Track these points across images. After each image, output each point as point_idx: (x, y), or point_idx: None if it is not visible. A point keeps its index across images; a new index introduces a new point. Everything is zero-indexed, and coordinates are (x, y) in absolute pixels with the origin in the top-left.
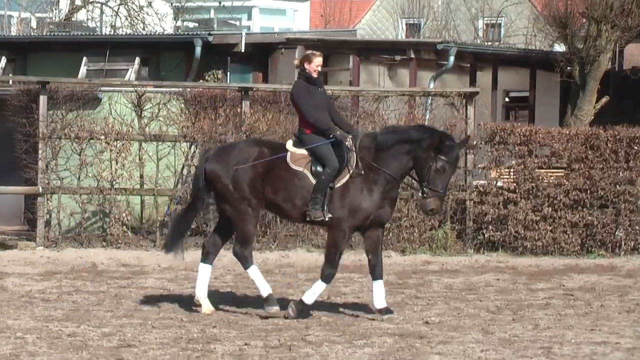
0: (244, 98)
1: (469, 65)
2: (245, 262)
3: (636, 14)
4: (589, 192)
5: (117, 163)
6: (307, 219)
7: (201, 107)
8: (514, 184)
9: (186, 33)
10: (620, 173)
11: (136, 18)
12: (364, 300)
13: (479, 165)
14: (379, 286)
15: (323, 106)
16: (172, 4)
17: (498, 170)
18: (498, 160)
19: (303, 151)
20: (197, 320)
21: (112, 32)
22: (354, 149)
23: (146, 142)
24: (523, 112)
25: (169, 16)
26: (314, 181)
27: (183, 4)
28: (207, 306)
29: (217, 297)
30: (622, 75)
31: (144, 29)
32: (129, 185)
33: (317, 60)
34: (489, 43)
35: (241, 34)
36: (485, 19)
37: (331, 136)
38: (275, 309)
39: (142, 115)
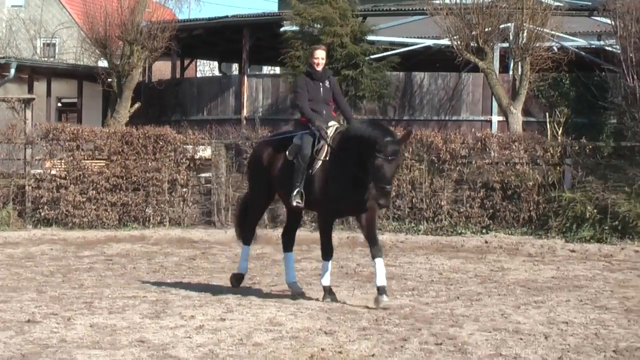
0: None
1: (27, 76)
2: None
3: (160, 37)
4: (125, 178)
5: None
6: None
7: None
8: (65, 172)
9: None
10: (150, 163)
11: None
12: None
13: (36, 158)
14: (378, 264)
15: (320, 99)
16: None
17: (52, 162)
18: (52, 154)
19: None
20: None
21: None
22: (327, 140)
23: None
24: (73, 115)
25: None
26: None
27: None
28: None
29: None
30: (150, 86)
31: None
32: None
33: (317, 53)
34: (45, 59)
35: None
36: (42, 39)
37: (312, 127)
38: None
39: None
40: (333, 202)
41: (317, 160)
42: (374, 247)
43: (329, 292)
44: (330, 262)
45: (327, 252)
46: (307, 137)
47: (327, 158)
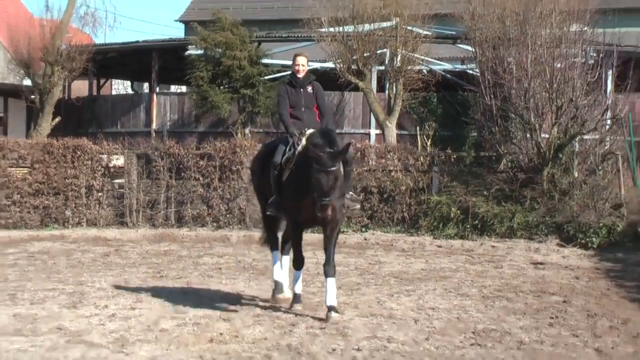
0: None
1: None
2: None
3: (78, 59)
4: (46, 184)
5: None
6: None
7: None
8: None
9: None
10: (69, 170)
11: None
12: None
13: None
14: (329, 284)
15: (302, 105)
16: None
17: None
18: None
19: None
20: None
21: None
22: (297, 148)
23: None
24: None
25: None
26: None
27: None
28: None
29: None
30: (69, 102)
31: None
32: None
33: (297, 60)
34: None
35: None
36: None
37: (287, 134)
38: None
39: None
40: (293, 213)
41: (286, 168)
42: (326, 265)
43: (298, 299)
44: (301, 271)
45: (297, 261)
46: (281, 145)
47: (294, 167)
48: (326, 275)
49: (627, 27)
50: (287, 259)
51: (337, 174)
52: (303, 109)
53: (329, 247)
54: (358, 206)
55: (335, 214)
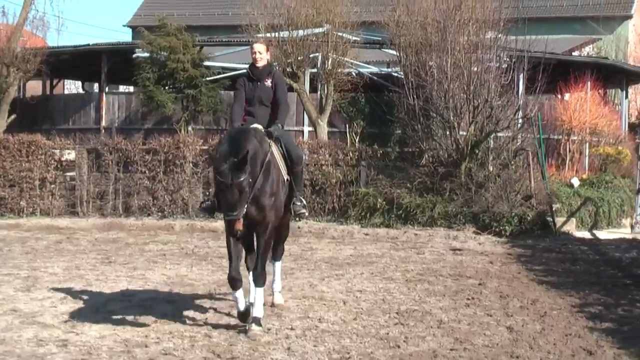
0: None
1: None
2: None
3: (33, 61)
4: (2, 176)
5: None
6: None
7: None
8: None
9: None
10: (23, 164)
11: None
12: None
13: None
14: (257, 293)
15: (255, 102)
16: None
17: None
18: None
19: None
20: None
21: None
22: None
23: None
24: None
25: None
26: None
27: None
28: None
29: None
30: (24, 101)
31: None
32: None
33: (254, 47)
34: None
35: None
36: None
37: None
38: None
39: None
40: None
41: None
42: (254, 271)
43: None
44: (238, 292)
45: (230, 280)
46: None
47: None
48: (255, 283)
49: (537, 34)
50: (279, 265)
51: (242, 187)
52: (257, 105)
53: (258, 253)
54: (305, 212)
55: (265, 216)
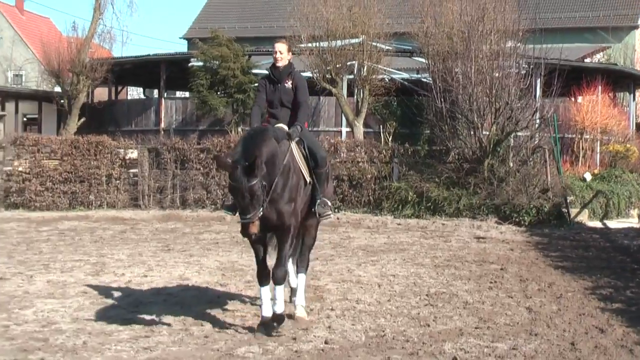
0: None
1: (1, 99)
2: None
3: (100, 70)
4: (73, 173)
5: None
6: None
7: None
8: (29, 169)
9: None
10: (92, 162)
11: None
12: None
13: (7, 158)
14: (277, 292)
15: (277, 103)
16: None
17: (19, 161)
18: (19, 155)
19: None
20: None
21: None
22: None
23: None
24: (34, 127)
25: None
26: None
27: None
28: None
29: None
30: (92, 105)
31: None
32: None
33: (275, 47)
34: (14, 85)
35: None
36: (12, 71)
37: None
38: None
39: None
40: None
41: None
42: (275, 268)
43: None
44: (268, 287)
45: (258, 275)
46: None
47: None
48: (274, 281)
49: (552, 43)
50: (302, 278)
51: (253, 190)
52: (279, 107)
53: (278, 252)
54: (330, 214)
55: (283, 222)
